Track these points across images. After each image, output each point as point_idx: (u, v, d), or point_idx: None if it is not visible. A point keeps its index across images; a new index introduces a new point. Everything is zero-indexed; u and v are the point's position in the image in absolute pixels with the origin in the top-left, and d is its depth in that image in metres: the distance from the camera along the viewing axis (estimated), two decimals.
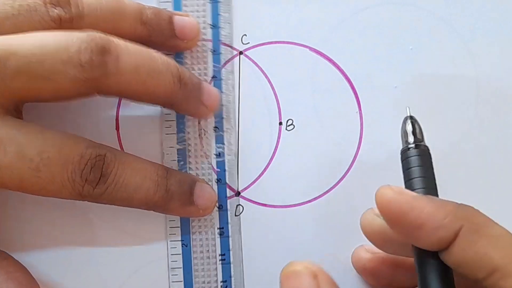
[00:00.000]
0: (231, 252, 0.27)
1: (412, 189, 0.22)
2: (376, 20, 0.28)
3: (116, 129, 0.28)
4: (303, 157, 0.28)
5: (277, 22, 0.28)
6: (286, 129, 0.28)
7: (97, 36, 0.22)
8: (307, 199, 0.27)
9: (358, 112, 0.28)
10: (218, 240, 0.27)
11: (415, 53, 0.28)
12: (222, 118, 0.28)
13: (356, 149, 0.28)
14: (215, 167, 0.28)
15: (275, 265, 0.27)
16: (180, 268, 0.27)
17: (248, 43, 0.28)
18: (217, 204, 0.27)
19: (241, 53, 0.28)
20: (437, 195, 0.22)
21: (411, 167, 0.23)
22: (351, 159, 0.28)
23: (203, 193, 0.26)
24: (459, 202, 0.21)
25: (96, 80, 0.22)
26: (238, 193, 0.28)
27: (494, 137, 0.28)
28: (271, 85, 0.28)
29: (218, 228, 0.27)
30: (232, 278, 0.27)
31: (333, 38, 0.28)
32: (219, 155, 0.27)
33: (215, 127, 0.28)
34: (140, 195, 0.24)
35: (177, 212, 0.26)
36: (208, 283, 0.27)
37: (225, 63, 0.28)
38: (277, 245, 0.27)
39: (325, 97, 0.28)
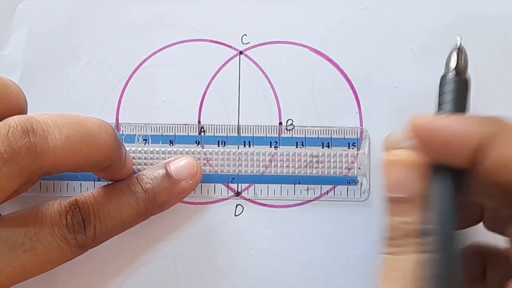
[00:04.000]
0: None
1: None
2: (376, 20, 0.28)
3: (116, 129, 0.28)
4: (303, 157, 0.28)
5: (277, 22, 0.28)
6: (286, 129, 0.28)
7: (14, 119, 0.21)
8: (307, 199, 0.27)
9: (358, 112, 0.28)
10: None
11: (415, 53, 0.28)
12: None
13: (356, 149, 0.28)
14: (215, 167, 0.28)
15: (275, 265, 0.27)
16: None
17: (248, 43, 0.28)
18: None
19: (241, 53, 0.28)
20: None
21: (444, 93, 0.22)
22: (351, 159, 0.28)
23: (178, 167, 0.26)
24: None
25: (31, 165, 0.20)
26: (238, 193, 0.28)
27: None
28: (271, 85, 0.28)
29: None
30: None
31: (333, 38, 0.28)
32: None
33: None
34: (127, 211, 0.24)
35: (174, 200, 0.26)
36: None
37: (225, 63, 0.28)
38: (277, 245, 0.27)
39: (325, 97, 0.28)
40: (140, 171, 0.27)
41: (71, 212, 0.23)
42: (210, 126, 0.28)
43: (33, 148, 0.20)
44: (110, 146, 0.23)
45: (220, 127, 0.28)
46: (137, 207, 0.25)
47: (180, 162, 0.26)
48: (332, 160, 0.27)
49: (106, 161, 0.23)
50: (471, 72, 0.28)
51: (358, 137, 0.28)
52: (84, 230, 0.23)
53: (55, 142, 0.21)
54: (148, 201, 0.25)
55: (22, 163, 0.20)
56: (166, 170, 0.26)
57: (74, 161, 0.22)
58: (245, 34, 0.28)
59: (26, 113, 0.24)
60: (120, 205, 0.24)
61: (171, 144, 0.28)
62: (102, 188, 0.25)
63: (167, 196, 0.26)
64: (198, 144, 0.28)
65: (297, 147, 0.28)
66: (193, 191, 0.27)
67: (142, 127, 0.28)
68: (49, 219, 0.23)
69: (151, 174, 0.26)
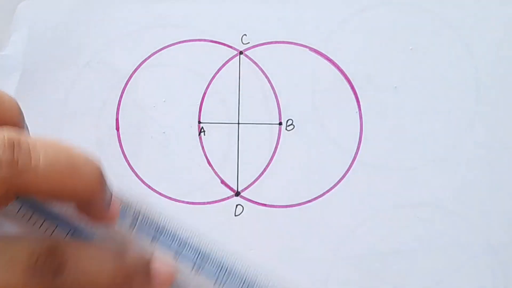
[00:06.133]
0: None
1: None
2: (376, 20, 0.28)
3: (116, 129, 0.28)
4: (303, 157, 0.28)
5: (277, 22, 0.28)
6: (286, 129, 0.28)
7: (4, 131, 0.20)
8: (307, 199, 0.27)
9: (358, 112, 0.28)
10: None
11: (415, 53, 0.28)
12: None
13: (356, 149, 0.28)
14: (215, 168, 0.28)
15: (275, 265, 0.27)
16: None
17: (248, 43, 0.28)
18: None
19: (241, 53, 0.28)
20: None
21: None
22: (351, 159, 0.28)
23: (161, 269, 0.25)
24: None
25: (8, 178, 0.20)
26: (238, 193, 0.28)
27: (494, 137, 0.28)
28: (271, 85, 0.28)
29: None
30: None
31: (333, 38, 0.28)
32: None
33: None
34: (102, 279, 0.22)
35: None
36: None
37: (225, 63, 0.28)
38: (277, 245, 0.27)
39: (325, 97, 0.28)
40: None
41: (45, 256, 0.21)
42: (210, 126, 0.28)
43: (15, 162, 0.20)
44: (94, 181, 0.22)
45: (220, 127, 0.28)
46: (112, 281, 0.23)
47: (166, 268, 0.25)
48: None
49: (86, 195, 0.22)
50: (471, 72, 0.28)
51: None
52: (54, 279, 0.21)
53: (37, 162, 0.20)
54: (123, 280, 0.23)
55: (0, 174, 0.20)
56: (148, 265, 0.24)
57: (53, 186, 0.21)
58: (245, 34, 0.28)
59: (22, 126, 0.24)
60: (99, 271, 0.22)
61: None
62: (90, 246, 0.23)
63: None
64: (198, 144, 0.28)
65: (297, 147, 0.28)
66: (193, 191, 0.27)
67: None
68: (17, 255, 0.21)
69: (137, 259, 0.24)
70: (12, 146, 0.20)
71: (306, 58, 0.28)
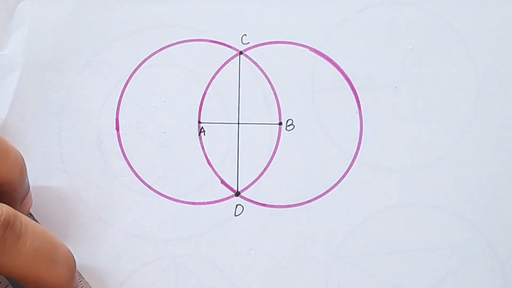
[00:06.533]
0: None
1: None
2: (376, 20, 0.28)
3: (116, 129, 0.28)
4: (303, 157, 0.28)
5: (277, 22, 0.28)
6: (286, 129, 0.28)
7: (3, 208, 0.21)
8: (307, 199, 0.28)
9: (358, 112, 0.28)
10: None
11: (415, 53, 0.28)
12: None
13: (356, 149, 0.28)
14: (215, 169, 0.28)
15: (275, 265, 0.27)
16: None
17: (248, 43, 0.28)
18: None
19: (241, 53, 0.28)
20: None
21: None
22: (351, 159, 0.28)
23: None
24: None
25: None
26: (238, 193, 0.28)
27: (494, 137, 0.28)
28: (271, 85, 0.28)
29: None
30: None
31: (333, 38, 0.28)
32: None
33: None
34: None
35: None
36: None
37: (225, 63, 0.28)
38: (277, 245, 0.27)
39: (325, 97, 0.28)
40: None
41: None
42: (210, 126, 0.28)
43: (3, 241, 0.20)
44: (66, 279, 0.23)
45: (220, 127, 0.28)
46: None
47: None
48: None
49: None
50: (471, 72, 0.28)
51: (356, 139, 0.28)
52: None
53: (22, 248, 0.21)
54: None
55: None
56: None
57: (26, 274, 0.21)
58: (245, 34, 0.28)
59: (23, 181, 0.24)
60: None
61: None
62: None
63: None
64: (198, 144, 0.28)
65: (297, 147, 0.28)
66: (193, 191, 0.27)
67: None
68: None
69: None
70: (6, 225, 0.20)
71: (306, 58, 0.28)
